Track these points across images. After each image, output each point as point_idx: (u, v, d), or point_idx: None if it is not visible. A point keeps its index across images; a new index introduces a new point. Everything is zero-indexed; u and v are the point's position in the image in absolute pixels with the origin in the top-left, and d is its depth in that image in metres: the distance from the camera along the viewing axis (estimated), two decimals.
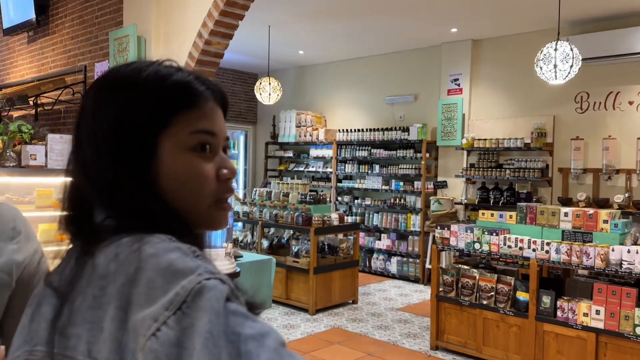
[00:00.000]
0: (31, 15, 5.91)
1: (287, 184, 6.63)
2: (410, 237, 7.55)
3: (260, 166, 9.84)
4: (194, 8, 4.23)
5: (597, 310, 3.81)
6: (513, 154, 6.73)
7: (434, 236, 4.84)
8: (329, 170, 8.58)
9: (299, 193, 6.26)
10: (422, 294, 6.73)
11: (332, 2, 5.77)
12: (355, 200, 8.26)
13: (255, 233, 6.52)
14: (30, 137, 4.41)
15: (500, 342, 4.31)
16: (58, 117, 5.82)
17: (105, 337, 0.61)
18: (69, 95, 5.47)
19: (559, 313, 3.99)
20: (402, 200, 7.67)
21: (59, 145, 3.76)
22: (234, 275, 3.63)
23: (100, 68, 5.03)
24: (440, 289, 4.68)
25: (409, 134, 7.52)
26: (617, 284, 3.90)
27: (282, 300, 5.94)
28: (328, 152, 8.55)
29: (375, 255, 7.85)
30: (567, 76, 4.71)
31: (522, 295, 4.19)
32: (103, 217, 0.69)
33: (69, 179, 0.73)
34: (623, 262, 3.69)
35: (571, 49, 4.65)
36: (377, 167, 7.96)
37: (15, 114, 6.10)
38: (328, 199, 6.92)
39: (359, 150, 8.17)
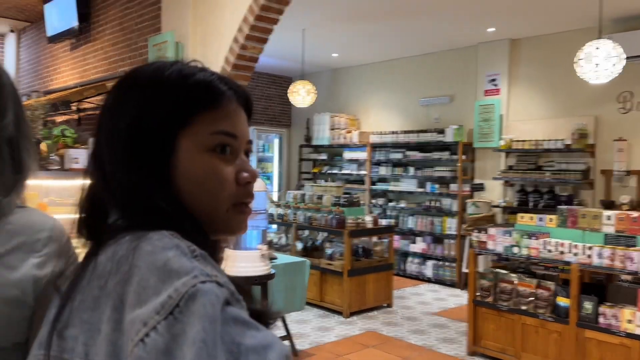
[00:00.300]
0: (74, 23, 6.11)
1: (321, 186, 6.64)
2: (446, 240, 7.44)
3: (294, 169, 9.90)
4: (230, 13, 4.29)
5: None
6: (553, 156, 6.55)
7: (470, 240, 4.76)
8: (362, 172, 8.55)
9: (332, 195, 6.26)
10: (458, 298, 6.62)
11: (367, 4, 5.76)
12: (390, 203, 8.20)
13: (289, 235, 6.56)
14: (74, 141, 4.57)
15: (540, 349, 4.20)
16: None
17: (102, 339, 0.58)
18: None
19: (601, 319, 3.86)
20: (437, 203, 7.57)
21: None
22: (268, 277, 3.66)
23: None
24: (478, 294, 4.60)
25: (444, 136, 7.42)
26: None
27: (316, 302, 5.94)
28: (362, 155, 8.52)
29: (410, 259, 7.77)
30: (609, 75, 4.57)
31: (562, 301, 4.07)
32: (116, 218, 0.68)
33: (87, 182, 0.72)
34: None
35: (614, 47, 4.50)
36: (411, 169, 7.89)
37: (59, 119, 6.32)
38: (362, 202, 6.90)
39: (393, 152, 8.11)
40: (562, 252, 4.08)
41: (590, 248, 3.93)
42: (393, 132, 8.12)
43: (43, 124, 5.35)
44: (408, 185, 7.95)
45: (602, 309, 3.86)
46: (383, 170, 8.25)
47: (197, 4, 4.56)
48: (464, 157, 7.31)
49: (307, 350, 4.67)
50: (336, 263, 5.76)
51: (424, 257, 7.65)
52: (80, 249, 0.69)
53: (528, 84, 6.92)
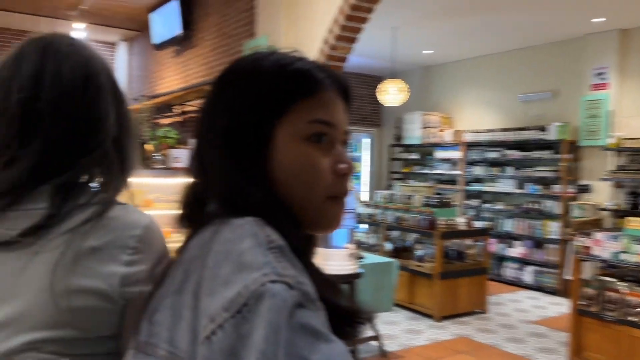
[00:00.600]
0: (178, 30, 6.50)
1: (411, 186, 6.53)
2: (546, 245, 7.01)
3: (384, 168, 9.82)
4: (321, 15, 4.34)
5: None
6: None
7: (574, 244, 4.45)
8: (455, 172, 8.29)
9: (423, 196, 6.14)
10: (559, 306, 6.21)
11: None
12: (485, 205, 7.88)
13: (378, 235, 6.52)
14: (176, 141, 4.88)
15: None
16: None
17: (184, 325, 0.58)
18: None
19: None
20: (538, 205, 7.15)
21: None
22: (355, 276, 3.66)
23: None
24: (582, 303, 4.28)
25: (546, 133, 6.99)
26: None
27: (405, 304, 5.85)
28: (455, 154, 8.26)
29: (506, 263, 7.41)
30: None
31: None
32: (212, 208, 0.67)
33: (189, 179, 0.73)
34: None
35: None
36: (509, 169, 7.52)
37: (164, 121, 6.76)
38: (454, 203, 6.69)
39: (489, 151, 7.78)
40: None
41: None
42: (489, 130, 7.78)
43: (149, 126, 5.76)
44: (505, 185, 7.58)
45: None
46: (478, 170, 7.94)
47: (290, 9, 4.66)
48: (568, 156, 6.84)
49: (396, 352, 4.61)
50: (426, 265, 5.64)
51: (523, 262, 7.25)
52: (180, 244, 0.71)
53: None
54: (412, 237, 6.38)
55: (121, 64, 8.61)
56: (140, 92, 7.67)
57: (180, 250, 0.66)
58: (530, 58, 7.55)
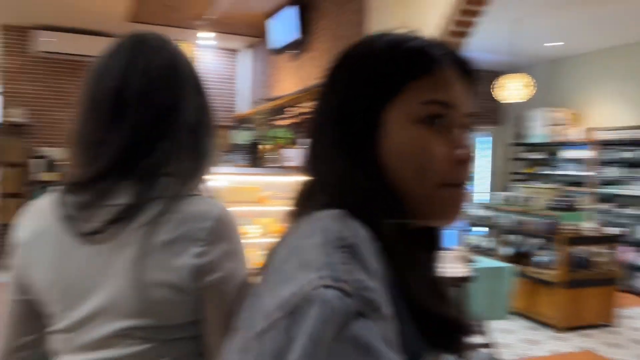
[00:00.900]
0: (296, 35, 6.72)
1: (533, 188, 6.15)
2: None
3: (502, 169, 9.33)
4: (432, 13, 4.25)
5: None
6: None
7: None
8: (583, 173, 7.63)
9: (546, 198, 5.74)
10: None
11: None
12: (619, 209, 7.16)
13: (494, 239, 6.22)
14: (290, 142, 5.08)
15: None
16: None
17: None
18: None
19: None
20: None
21: None
22: (465, 280, 3.53)
23: None
24: None
25: None
26: None
27: (523, 312, 5.52)
28: (584, 153, 7.60)
29: None
30: None
31: None
32: (316, 200, 0.64)
33: (302, 178, 0.71)
34: None
35: None
36: None
37: (281, 122, 7.03)
38: (582, 206, 6.18)
39: (624, 150, 7.06)
40: None
41: None
42: (625, 128, 7.06)
43: (266, 128, 6.05)
44: None
45: None
46: (611, 171, 7.24)
47: (398, 8, 4.63)
48: None
49: None
50: (548, 272, 5.27)
51: None
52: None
53: None
54: (530, 241, 6.00)
55: (246, 70, 9.09)
56: (262, 96, 8.06)
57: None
58: None
